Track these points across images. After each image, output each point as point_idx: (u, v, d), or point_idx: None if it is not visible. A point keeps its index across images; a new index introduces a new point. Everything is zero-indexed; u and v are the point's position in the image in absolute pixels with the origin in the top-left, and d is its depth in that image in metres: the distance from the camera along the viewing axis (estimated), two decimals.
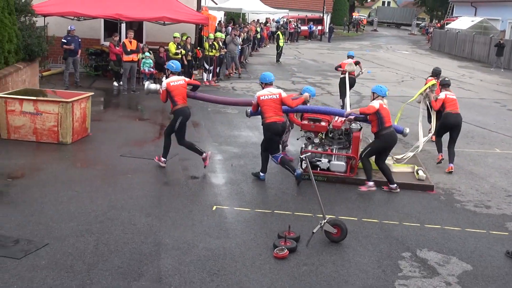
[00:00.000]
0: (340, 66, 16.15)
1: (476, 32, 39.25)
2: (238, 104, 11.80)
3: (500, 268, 6.74)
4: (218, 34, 21.15)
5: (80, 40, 18.22)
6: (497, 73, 28.70)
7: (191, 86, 10.28)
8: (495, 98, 20.26)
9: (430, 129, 12.02)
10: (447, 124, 10.71)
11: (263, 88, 9.60)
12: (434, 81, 12.24)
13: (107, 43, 21.02)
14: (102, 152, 10.74)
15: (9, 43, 12.80)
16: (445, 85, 11.20)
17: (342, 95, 16.06)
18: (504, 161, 11.52)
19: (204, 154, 9.92)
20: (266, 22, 41.14)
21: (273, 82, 9.73)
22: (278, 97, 9.32)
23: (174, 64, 10.21)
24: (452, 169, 10.33)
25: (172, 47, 17.68)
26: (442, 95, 11.11)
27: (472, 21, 42.62)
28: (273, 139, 9.35)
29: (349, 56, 16.76)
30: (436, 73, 13.06)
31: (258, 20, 38.53)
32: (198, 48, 19.40)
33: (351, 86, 15.87)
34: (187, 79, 10.28)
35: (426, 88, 11.75)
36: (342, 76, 15.71)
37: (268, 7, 42.49)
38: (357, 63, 16.79)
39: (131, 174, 9.57)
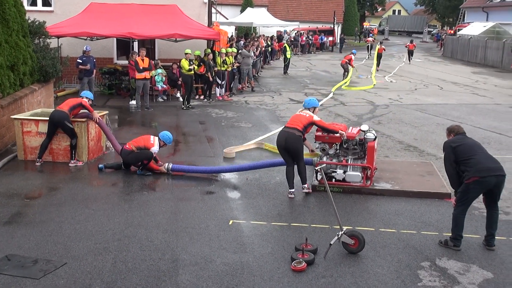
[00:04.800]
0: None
1: (488, 37, 39.03)
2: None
3: None
4: (230, 49, 21.27)
5: (95, 60, 18.44)
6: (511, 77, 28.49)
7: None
8: (510, 103, 20.08)
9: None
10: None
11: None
12: None
13: (120, 62, 21.28)
14: (117, 170, 10.79)
15: (24, 65, 12.99)
16: None
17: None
18: None
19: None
20: (279, 36, 41.24)
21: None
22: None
23: (169, 137, 10.92)
24: None
25: (185, 64, 17.82)
26: None
27: (484, 26, 42.42)
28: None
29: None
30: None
31: (263, 34, 38.68)
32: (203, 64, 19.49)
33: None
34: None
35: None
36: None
37: (279, 20, 42.78)
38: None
39: (147, 190, 9.62)
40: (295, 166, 9.39)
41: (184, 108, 17.85)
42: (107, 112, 12.50)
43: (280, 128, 14.63)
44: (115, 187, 9.93)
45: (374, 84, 24.71)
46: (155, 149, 10.54)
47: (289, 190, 9.39)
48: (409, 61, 38.23)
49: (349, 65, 26.59)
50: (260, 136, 13.79)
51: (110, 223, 8.00)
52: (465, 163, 7.19)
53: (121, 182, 10.18)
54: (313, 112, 9.71)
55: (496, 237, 7.45)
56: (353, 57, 27.23)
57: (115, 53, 21.96)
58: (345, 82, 24.85)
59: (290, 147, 9.19)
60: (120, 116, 16.61)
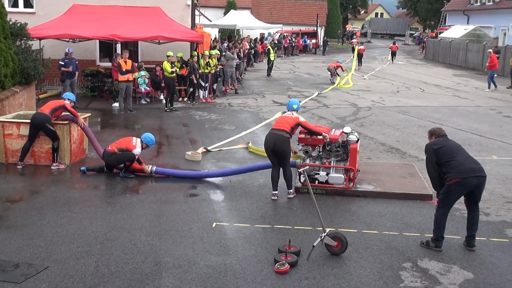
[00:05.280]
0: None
1: (469, 40, 39.48)
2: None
3: (501, 275, 6.73)
4: (213, 51, 21.26)
5: (77, 62, 18.33)
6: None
7: None
8: (490, 105, 20.34)
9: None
10: None
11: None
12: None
13: (103, 64, 21.17)
14: (100, 172, 10.73)
15: (5, 68, 12.88)
16: None
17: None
18: (502, 168, 11.56)
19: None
20: (262, 38, 41.35)
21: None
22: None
23: (152, 139, 10.88)
24: None
25: (167, 66, 17.78)
26: None
27: (465, 29, 42.88)
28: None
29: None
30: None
31: (248, 36, 38.77)
32: (186, 66, 19.47)
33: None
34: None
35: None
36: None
37: (262, 22, 42.82)
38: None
39: (129, 193, 9.59)
40: (281, 169, 9.43)
41: (168, 110, 17.80)
42: (89, 114, 12.45)
43: (256, 128, 14.87)
44: (98, 190, 9.88)
45: (351, 85, 25.34)
46: (137, 150, 10.51)
47: (273, 192, 9.41)
48: (392, 61, 40.04)
49: (339, 70, 26.92)
50: (233, 136, 13.83)
51: (93, 226, 7.96)
52: (447, 164, 7.27)
53: (103, 185, 10.13)
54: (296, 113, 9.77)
55: (476, 238, 7.54)
56: (341, 64, 27.94)
57: (97, 55, 21.83)
58: (347, 78, 27.22)
59: (278, 149, 9.19)
60: (103, 119, 16.52)
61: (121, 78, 17.16)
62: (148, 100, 19.54)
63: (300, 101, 12.12)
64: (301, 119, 9.62)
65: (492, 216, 8.78)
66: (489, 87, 24.66)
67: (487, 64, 25.27)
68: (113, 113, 17.48)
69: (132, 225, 8.05)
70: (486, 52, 28.76)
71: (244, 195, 9.58)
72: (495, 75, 24.96)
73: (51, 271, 6.47)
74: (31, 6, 21.30)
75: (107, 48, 20.99)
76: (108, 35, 18.43)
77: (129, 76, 17.33)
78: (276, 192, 9.39)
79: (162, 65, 18.67)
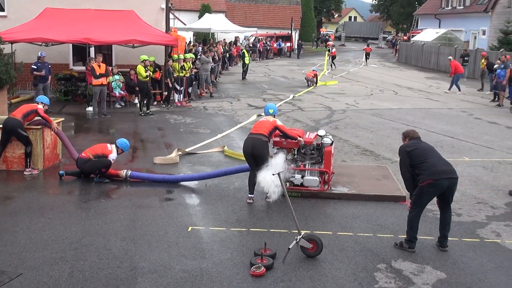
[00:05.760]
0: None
1: (441, 44, 40.07)
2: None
3: (473, 274, 6.86)
4: (188, 55, 21.23)
5: (50, 66, 18.14)
6: (462, 82, 29.29)
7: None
8: (462, 108, 20.67)
9: None
10: None
11: None
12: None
13: (76, 68, 20.98)
14: (78, 177, 10.62)
15: None
16: None
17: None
18: (473, 169, 11.76)
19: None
20: (236, 41, 41.45)
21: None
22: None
23: (127, 144, 10.95)
24: None
25: (142, 70, 17.69)
26: None
27: (437, 33, 43.53)
28: None
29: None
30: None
31: (224, 39, 38.84)
32: (158, 70, 19.40)
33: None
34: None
35: None
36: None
37: (237, 26, 42.90)
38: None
39: (104, 198, 9.53)
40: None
41: (142, 114, 17.71)
42: (63, 119, 12.33)
43: (231, 131, 14.91)
44: (72, 195, 9.79)
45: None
46: (113, 156, 10.45)
47: (248, 195, 9.44)
48: (366, 62, 43.05)
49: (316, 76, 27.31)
50: (209, 139, 13.85)
51: (67, 232, 7.88)
52: (420, 166, 7.39)
53: (78, 190, 10.05)
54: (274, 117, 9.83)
55: (448, 238, 7.67)
56: (317, 71, 28.47)
57: (71, 59, 21.60)
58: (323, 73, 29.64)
59: (256, 153, 9.19)
60: (77, 123, 16.37)
61: (95, 82, 17.03)
62: (123, 104, 19.42)
63: (276, 105, 12.25)
64: (278, 122, 9.67)
65: (464, 217, 8.94)
66: (459, 90, 25.07)
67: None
68: (87, 118, 17.33)
69: (107, 230, 8.00)
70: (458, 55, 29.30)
71: (220, 199, 9.58)
72: (461, 79, 25.35)
73: (25, 278, 6.40)
74: (2, 10, 21.03)
75: (80, 52, 20.80)
76: (82, 39, 18.28)
77: (103, 80, 17.21)
78: (252, 195, 9.42)
79: (136, 69, 18.57)
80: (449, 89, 25.29)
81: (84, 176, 10.53)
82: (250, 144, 9.26)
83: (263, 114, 10.11)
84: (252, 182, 9.39)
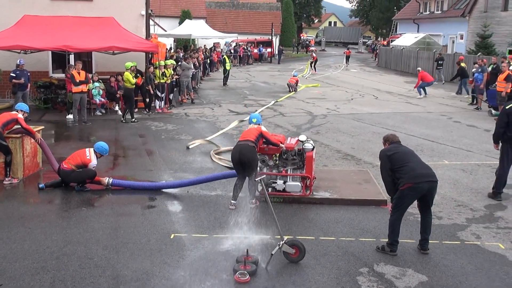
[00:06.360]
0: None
1: (419, 48, 40.48)
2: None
3: (454, 277, 6.93)
4: (169, 61, 21.20)
5: (29, 73, 17.99)
6: (441, 86, 29.65)
7: None
8: (441, 111, 20.90)
9: None
10: None
11: None
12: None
13: (56, 75, 20.82)
14: (58, 187, 10.53)
15: None
16: None
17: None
18: (453, 172, 11.90)
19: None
20: (215, 48, 41.46)
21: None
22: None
23: (105, 148, 10.79)
24: None
25: (130, 77, 17.58)
26: None
27: (416, 37, 43.97)
28: None
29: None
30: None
31: (205, 45, 38.84)
32: (140, 76, 19.32)
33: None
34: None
35: None
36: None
37: (217, 32, 42.91)
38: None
39: (85, 206, 9.46)
40: (245, 181, 9.48)
41: (124, 121, 17.61)
42: (43, 127, 12.23)
43: (212, 137, 14.93)
44: (53, 204, 9.71)
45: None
46: (93, 163, 10.38)
47: (231, 201, 9.44)
48: (347, 64, 46.13)
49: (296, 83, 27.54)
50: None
51: (48, 241, 7.82)
52: (400, 170, 7.46)
53: (58, 198, 9.96)
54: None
55: (429, 241, 7.75)
56: (298, 76, 28.85)
57: (50, 67, 21.45)
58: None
59: (244, 159, 9.22)
60: (57, 131, 16.24)
61: (75, 89, 16.92)
62: (103, 112, 19.31)
63: (256, 111, 12.31)
64: (263, 129, 9.80)
65: (445, 220, 9.03)
66: (421, 94, 25.24)
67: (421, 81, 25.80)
68: (67, 125, 17.20)
69: (88, 239, 7.95)
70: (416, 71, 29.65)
71: (202, 205, 9.57)
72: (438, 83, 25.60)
73: None
74: None
75: (60, 59, 20.67)
76: (61, 46, 18.14)
77: (83, 87, 17.11)
78: (235, 202, 9.43)
79: (116, 76, 18.50)
80: (421, 95, 25.40)
81: (64, 185, 10.44)
82: (237, 150, 9.31)
83: (246, 120, 10.18)
84: (237, 189, 9.43)
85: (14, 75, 17.35)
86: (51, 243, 7.73)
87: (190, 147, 13.96)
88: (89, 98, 18.36)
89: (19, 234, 8.06)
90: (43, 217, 8.84)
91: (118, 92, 19.44)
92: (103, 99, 19.18)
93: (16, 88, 17.42)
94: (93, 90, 18.75)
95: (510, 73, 18.68)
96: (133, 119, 17.72)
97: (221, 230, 8.40)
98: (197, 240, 8.00)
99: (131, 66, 18.03)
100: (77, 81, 16.81)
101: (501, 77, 18.86)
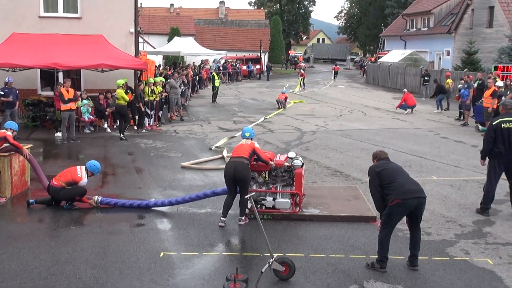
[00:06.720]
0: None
1: (407, 64, 40.86)
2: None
3: None
4: (158, 79, 21.22)
5: (18, 91, 17.93)
6: (428, 102, 29.90)
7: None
8: (429, 127, 21.05)
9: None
10: None
11: None
12: None
13: (44, 93, 20.76)
14: (49, 205, 10.45)
15: None
16: None
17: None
18: (441, 188, 11.96)
19: None
20: (203, 64, 41.58)
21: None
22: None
23: (97, 167, 10.73)
24: None
25: (123, 93, 17.54)
26: None
27: (403, 54, 44.41)
28: None
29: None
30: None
31: (194, 62, 38.96)
32: (131, 92, 19.29)
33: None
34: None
35: None
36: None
37: (206, 49, 43.12)
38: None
39: (74, 225, 9.40)
40: (236, 198, 9.49)
41: (124, 138, 17.45)
42: (31, 145, 12.18)
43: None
44: (41, 223, 9.65)
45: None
46: (84, 181, 10.34)
47: (221, 219, 9.42)
48: (335, 79, 48.21)
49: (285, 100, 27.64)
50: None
51: (36, 261, 7.75)
52: (389, 186, 7.50)
53: (47, 217, 9.90)
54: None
55: (419, 257, 7.77)
56: (287, 93, 29.18)
57: (39, 84, 21.34)
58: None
59: (239, 176, 9.25)
60: (46, 149, 16.15)
61: (64, 107, 16.88)
62: (92, 129, 19.25)
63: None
64: (256, 145, 9.78)
65: (434, 236, 9.07)
66: (406, 110, 25.39)
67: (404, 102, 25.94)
68: (56, 143, 17.13)
69: (77, 258, 7.89)
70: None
71: (192, 223, 9.55)
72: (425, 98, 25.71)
73: None
74: None
75: (48, 77, 20.58)
76: (50, 64, 18.12)
77: (72, 105, 17.06)
78: (225, 219, 9.41)
79: (105, 93, 18.46)
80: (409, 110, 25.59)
81: (54, 203, 10.38)
82: (232, 166, 9.31)
83: (237, 135, 10.18)
84: (227, 206, 9.41)
85: (2, 93, 17.29)
86: (39, 263, 7.67)
87: (212, 148, 15.26)
88: (77, 116, 18.31)
89: (7, 254, 7.99)
90: (31, 236, 8.77)
91: (107, 109, 19.41)
92: (92, 117, 19.14)
93: (5, 106, 17.35)
94: (82, 107, 18.72)
95: (496, 89, 18.91)
96: (121, 135, 17.61)
97: (211, 248, 8.38)
98: (186, 258, 7.97)
99: (123, 83, 18.00)
100: (66, 98, 16.78)
101: (487, 93, 19.10)
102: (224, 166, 10.08)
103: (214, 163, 14.32)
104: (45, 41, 19.42)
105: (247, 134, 10.02)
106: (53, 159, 14.88)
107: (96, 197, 10.40)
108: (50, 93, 20.00)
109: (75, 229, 9.19)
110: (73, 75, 20.85)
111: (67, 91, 16.92)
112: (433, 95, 27.63)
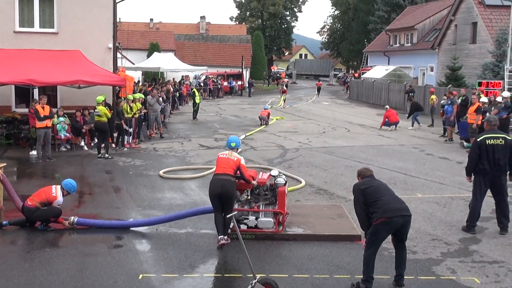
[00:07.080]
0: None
1: (390, 80, 41.00)
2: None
3: None
4: (137, 95, 20.90)
5: None
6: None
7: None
8: (413, 144, 20.97)
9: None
10: None
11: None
12: None
13: (19, 110, 20.33)
14: (23, 227, 10.07)
15: None
16: None
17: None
18: (427, 205, 11.80)
19: None
20: (184, 80, 41.37)
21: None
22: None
23: (73, 185, 10.39)
24: None
25: (105, 110, 17.15)
26: None
27: (386, 69, 44.68)
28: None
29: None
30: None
31: (174, 78, 38.74)
32: (109, 108, 18.92)
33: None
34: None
35: None
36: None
37: (186, 64, 42.90)
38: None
39: (49, 247, 9.07)
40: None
41: (109, 157, 17.01)
42: (4, 164, 11.76)
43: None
44: (14, 245, 9.31)
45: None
46: (59, 201, 9.98)
47: (219, 237, 9.07)
48: (318, 96, 49.10)
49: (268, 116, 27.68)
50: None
51: (9, 285, 7.45)
52: (373, 204, 7.32)
53: (21, 239, 9.55)
54: (236, 152, 9.60)
55: (405, 277, 7.58)
56: (269, 109, 29.42)
57: (13, 101, 20.84)
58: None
59: (225, 194, 8.98)
60: (20, 168, 15.73)
61: (39, 124, 16.46)
62: (69, 147, 18.84)
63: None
64: (242, 162, 9.44)
65: (419, 254, 8.88)
66: (390, 127, 25.37)
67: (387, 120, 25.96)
68: (31, 162, 16.70)
69: (52, 281, 7.61)
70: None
71: (172, 244, 9.26)
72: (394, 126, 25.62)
73: None
74: None
75: (23, 93, 20.15)
76: (25, 80, 17.71)
77: (47, 122, 16.65)
78: (223, 236, 9.07)
79: (82, 110, 18.10)
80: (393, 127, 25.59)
81: (29, 224, 10.00)
82: (219, 184, 9.03)
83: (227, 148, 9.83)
84: (220, 222, 9.07)
85: None
86: (12, 287, 7.34)
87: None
88: (53, 134, 17.90)
89: None
90: (4, 259, 8.45)
91: (84, 126, 19.04)
92: (68, 134, 18.75)
93: None
94: (57, 125, 18.34)
95: (481, 105, 18.91)
96: (106, 154, 17.12)
97: (191, 270, 8.11)
98: (166, 280, 7.70)
99: (103, 100, 17.64)
100: (41, 116, 16.37)
101: (471, 109, 19.09)
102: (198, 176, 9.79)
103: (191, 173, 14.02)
104: (20, 57, 19.02)
105: (233, 144, 9.65)
106: (27, 178, 14.48)
107: (72, 217, 10.05)
108: (25, 110, 19.54)
109: (50, 251, 8.88)
110: (49, 92, 20.44)
111: (43, 108, 16.53)
112: (409, 115, 27.51)
